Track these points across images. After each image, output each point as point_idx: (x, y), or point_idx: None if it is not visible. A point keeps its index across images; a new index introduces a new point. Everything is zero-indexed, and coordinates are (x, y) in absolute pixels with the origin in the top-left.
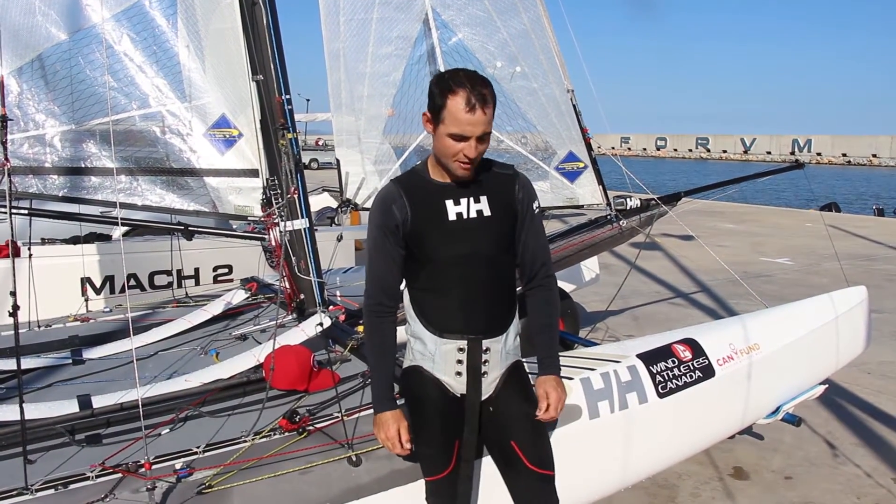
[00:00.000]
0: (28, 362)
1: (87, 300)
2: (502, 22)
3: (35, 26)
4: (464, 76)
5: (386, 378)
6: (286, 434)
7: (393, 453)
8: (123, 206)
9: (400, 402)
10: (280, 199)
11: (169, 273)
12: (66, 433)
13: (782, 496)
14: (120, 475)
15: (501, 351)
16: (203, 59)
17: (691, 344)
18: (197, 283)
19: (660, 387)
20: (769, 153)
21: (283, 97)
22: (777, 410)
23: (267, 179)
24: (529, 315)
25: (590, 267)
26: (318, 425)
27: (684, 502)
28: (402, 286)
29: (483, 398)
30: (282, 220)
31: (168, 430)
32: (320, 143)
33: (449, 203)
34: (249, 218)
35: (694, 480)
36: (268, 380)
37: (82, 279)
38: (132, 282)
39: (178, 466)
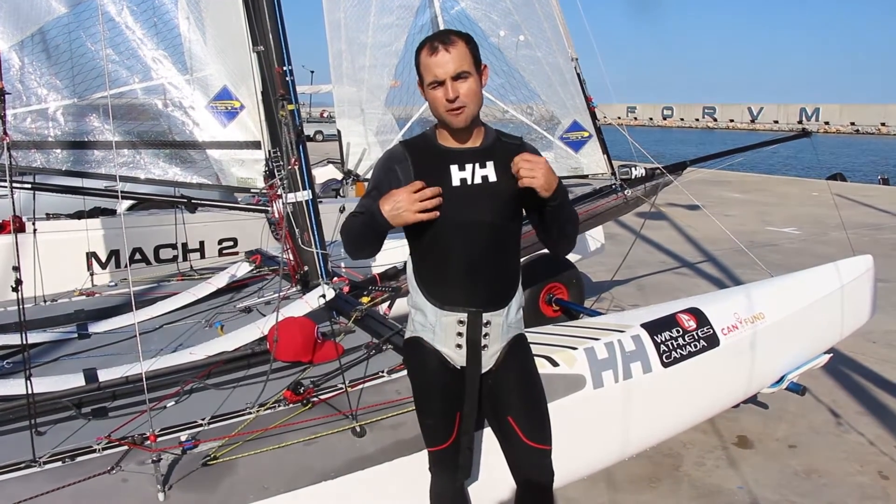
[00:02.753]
0: (34, 337)
1: (92, 275)
2: None
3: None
4: (433, 34)
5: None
6: (290, 405)
7: (418, 210)
8: (125, 179)
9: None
10: (282, 171)
11: (174, 247)
12: (72, 406)
13: (786, 464)
14: (126, 447)
15: (503, 324)
16: (204, 30)
17: (696, 313)
18: (202, 257)
19: (664, 356)
20: (776, 122)
21: (283, 68)
22: (782, 379)
23: (269, 151)
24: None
25: (595, 237)
26: (322, 396)
27: (689, 471)
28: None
29: (483, 371)
30: (284, 192)
31: (173, 403)
32: (325, 115)
33: (454, 168)
34: (253, 190)
35: (698, 449)
36: (272, 352)
37: (87, 254)
38: (137, 256)
39: (183, 438)
